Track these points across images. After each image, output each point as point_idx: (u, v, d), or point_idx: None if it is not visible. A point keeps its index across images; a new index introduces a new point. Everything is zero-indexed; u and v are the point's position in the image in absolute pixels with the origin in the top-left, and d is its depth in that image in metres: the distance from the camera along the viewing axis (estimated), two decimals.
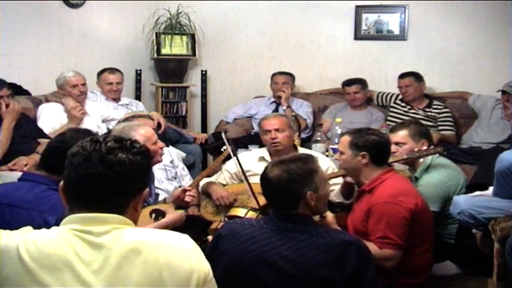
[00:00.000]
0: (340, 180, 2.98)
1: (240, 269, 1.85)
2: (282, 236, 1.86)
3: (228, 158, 3.30)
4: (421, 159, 3.00)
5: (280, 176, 1.94)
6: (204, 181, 3.18)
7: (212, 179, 3.26)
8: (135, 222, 1.39)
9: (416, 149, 2.94)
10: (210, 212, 3.10)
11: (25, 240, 1.27)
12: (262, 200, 2.87)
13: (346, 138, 2.57)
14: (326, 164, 3.11)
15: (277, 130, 3.18)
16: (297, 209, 1.94)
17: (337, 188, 2.97)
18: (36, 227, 1.35)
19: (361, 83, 4.80)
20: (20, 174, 2.95)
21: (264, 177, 1.99)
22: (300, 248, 1.83)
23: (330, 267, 1.80)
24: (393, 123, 4.04)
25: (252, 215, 2.65)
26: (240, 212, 2.75)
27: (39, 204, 1.83)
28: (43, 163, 2.07)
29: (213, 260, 1.80)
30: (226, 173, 3.27)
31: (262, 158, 3.24)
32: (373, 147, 2.50)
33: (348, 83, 4.80)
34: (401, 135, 3.03)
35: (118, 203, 1.33)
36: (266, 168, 2.01)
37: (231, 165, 3.28)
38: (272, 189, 1.98)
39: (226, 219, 2.67)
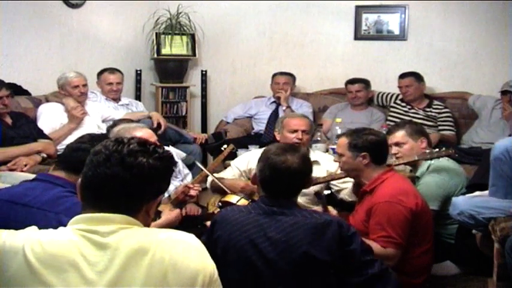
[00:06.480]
0: (351, 179, 2.97)
1: (232, 252, 1.93)
2: (268, 219, 1.94)
3: (229, 157, 3.31)
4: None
5: (303, 165, 2.01)
6: (211, 178, 3.19)
7: (220, 175, 3.26)
8: (147, 226, 1.38)
9: (427, 151, 2.94)
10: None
11: (31, 240, 1.26)
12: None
13: (344, 140, 2.57)
14: (335, 164, 3.10)
15: (303, 131, 3.20)
16: (294, 197, 2.05)
17: (349, 187, 2.97)
18: (51, 228, 1.34)
19: (365, 82, 4.82)
20: (20, 174, 2.99)
21: (281, 164, 1.97)
22: (284, 228, 1.90)
23: (311, 244, 1.87)
24: (393, 123, 4.04)
25: (243, 202, 2.74)
26: (233, 198, 2.83)
27: (55, 206, 1.82)
28: (61, 163, 2.05)
29: (211, 244, 1.90)
30: (236, 170, 3.28)
31: None
32: (373, 147, 2.51)
33: (352, 81, 4.81)
34: (400, 135, 3.03)
35: (131, 206, 1.32)
36: (278, 154, 2.00)
37: (240, 163, 3.31)
38: (290, 176, 1.98)
39: (220, 204, 2.79)
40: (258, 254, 1.90)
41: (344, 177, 2.87)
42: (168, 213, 2.46)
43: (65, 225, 1.34)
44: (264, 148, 2.22)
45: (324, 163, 3.21)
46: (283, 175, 1.98)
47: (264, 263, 1.89)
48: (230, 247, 1.94)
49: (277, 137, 3.32)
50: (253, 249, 1.90)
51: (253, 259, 1.90)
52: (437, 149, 2.94)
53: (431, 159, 2.94)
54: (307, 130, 3.22)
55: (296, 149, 2.11)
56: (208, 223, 2.52)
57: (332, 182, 3.13)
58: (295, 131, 3.20)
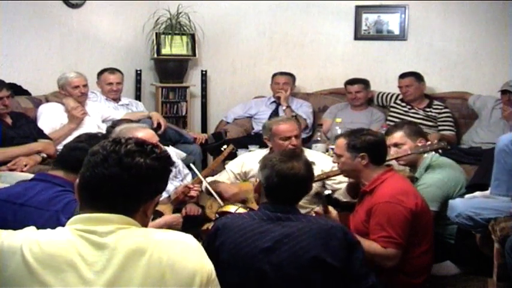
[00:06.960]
0: (346, 179, 2.97)
1: (237, 258, 1.92)
2: (273, 225, 1.95)
3: (228, 157, 3.31)
4: (423, 156, 3.01)
5: (308, 171, 2.07)
6: (207, 180, 3.18)
7: (215, 178, 3.26)
8: (145, 227, 1.38)
9: (420, 144, 2.95)
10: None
11: (29, 241, 1.26)
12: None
13: (342, 141, 2.57)
14: (330, 164, 3.10)
15: (295, 136, 3.15)
16: (298, 203, 2.08)
17: (343, 187, 2.96)
18: (49, 226, 1.34)
19: (364, 83, 4.81)
20: (20, 174, 2.99)
21: (289, 171, 2.02)
22: (290, 233, 1.91)
23: (320, 248, 1.88)
24: (393, 123, 4.04)
25: (242, 211, 2.71)
26: (231, 208, 2.81)
27: (53, 204, 1.83)
28: (59, 162, 2.05)
29: (213, 252, 1.89)
30: (231, 173, 3.28)
31: None
32: (371, 147, 2.51)
33: (351, 82, 4.80)
34: (398, 136, 3.03)
35: (128, 206, 1.32)
36: (285, 162, 2.04)
37: (235, 166, 3.29)
38: (297, 182, 2.03)
39: (217, 215, 2.76)
40: (265, 259, 1.90)
41: (339, 174, 2.87)
42: (169, 215, 2.48)
43: (63, 223, 1.34)
44: (263, 156, 2.26)
45: (318, 163, 3.19)
46: (291, 181, 2.02)
47: (270, 267, 1.89)
48: (234, 253, 1.93)
49: (268, 144, 3.26)
50: (260, 255, 1.90)
51: (259, 265, 1.90)
52: (429, 142, 2.95)
53: (424, 152, 2.94)
54: (298, 134, 3.18)
55: (299, 155, 2.16)
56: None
57: (327, 183, 3.12)
58: (288, 137, 3.14)
